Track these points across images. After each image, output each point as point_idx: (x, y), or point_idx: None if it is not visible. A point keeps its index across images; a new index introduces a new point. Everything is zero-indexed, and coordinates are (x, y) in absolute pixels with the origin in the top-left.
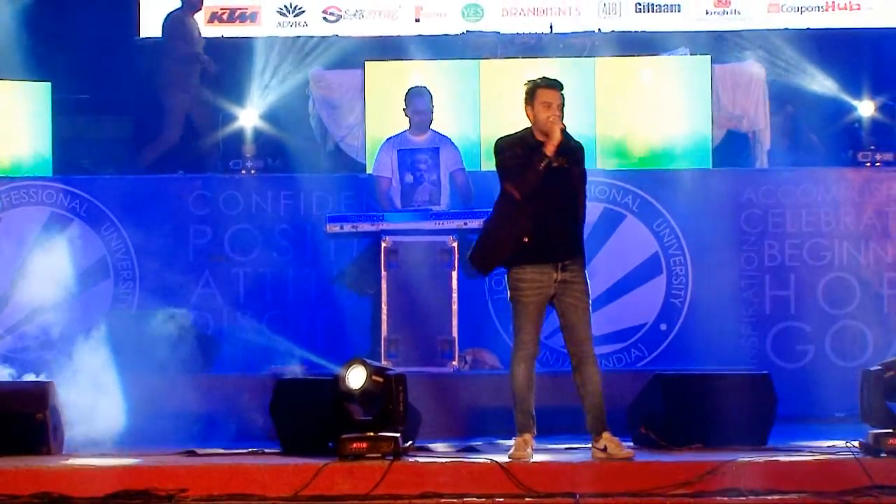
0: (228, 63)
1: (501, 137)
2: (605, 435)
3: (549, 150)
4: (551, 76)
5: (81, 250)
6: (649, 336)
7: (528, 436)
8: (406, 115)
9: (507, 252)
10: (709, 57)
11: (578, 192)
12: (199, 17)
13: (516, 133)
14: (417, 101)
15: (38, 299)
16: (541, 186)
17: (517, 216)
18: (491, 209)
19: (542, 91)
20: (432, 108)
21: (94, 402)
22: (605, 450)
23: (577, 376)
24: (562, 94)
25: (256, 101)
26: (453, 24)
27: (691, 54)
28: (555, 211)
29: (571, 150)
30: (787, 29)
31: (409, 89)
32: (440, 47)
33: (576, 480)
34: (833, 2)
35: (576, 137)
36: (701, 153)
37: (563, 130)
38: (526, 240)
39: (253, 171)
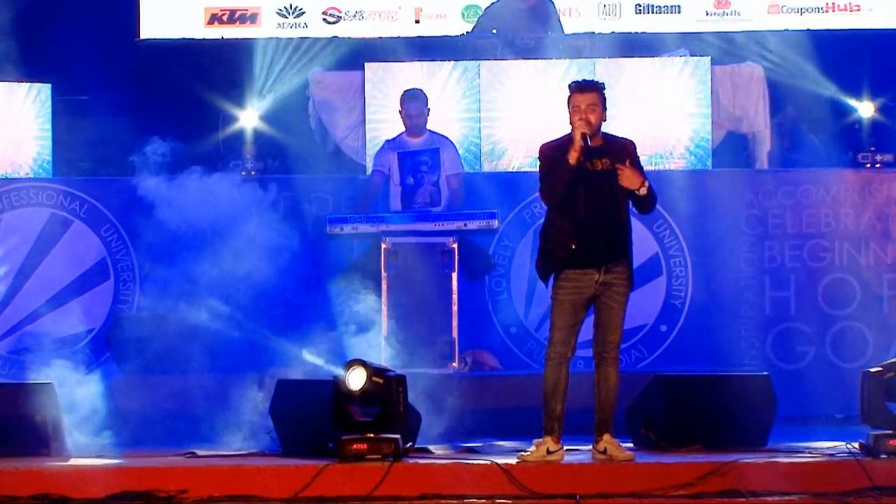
0: (228, 64)
1: (544, 143)
2: (606, 437)
3: (572, 157)
4: (582, 78)
5: (82, 252)
6: (649, 337)
7: (548, 439)
8: (401, 118)
9: (557, 259)
10: (708, 58)
11: (624, 190)
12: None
13: (559, 137)
14: (411, 106)
15: (39, 300)
16: (583, 191)
17: (562, 223)
18: (492, 210)
19: (572, 95)
20: (427, 110)
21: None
22: (604, 452)
23: (596, 374)
24: (598, 94)
25: (256, 103)
26: (453, 26)
27: (691, 55)
28: (599, 214)
29: (617, 150)
30: (787, 30)
31: (402, 92)
32: (440, 49)
33: (576, 482)
34: (833, 3)
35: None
36: (701, 154)
37: (602, 132)
38: (574, 246)
39: (253, 173)
